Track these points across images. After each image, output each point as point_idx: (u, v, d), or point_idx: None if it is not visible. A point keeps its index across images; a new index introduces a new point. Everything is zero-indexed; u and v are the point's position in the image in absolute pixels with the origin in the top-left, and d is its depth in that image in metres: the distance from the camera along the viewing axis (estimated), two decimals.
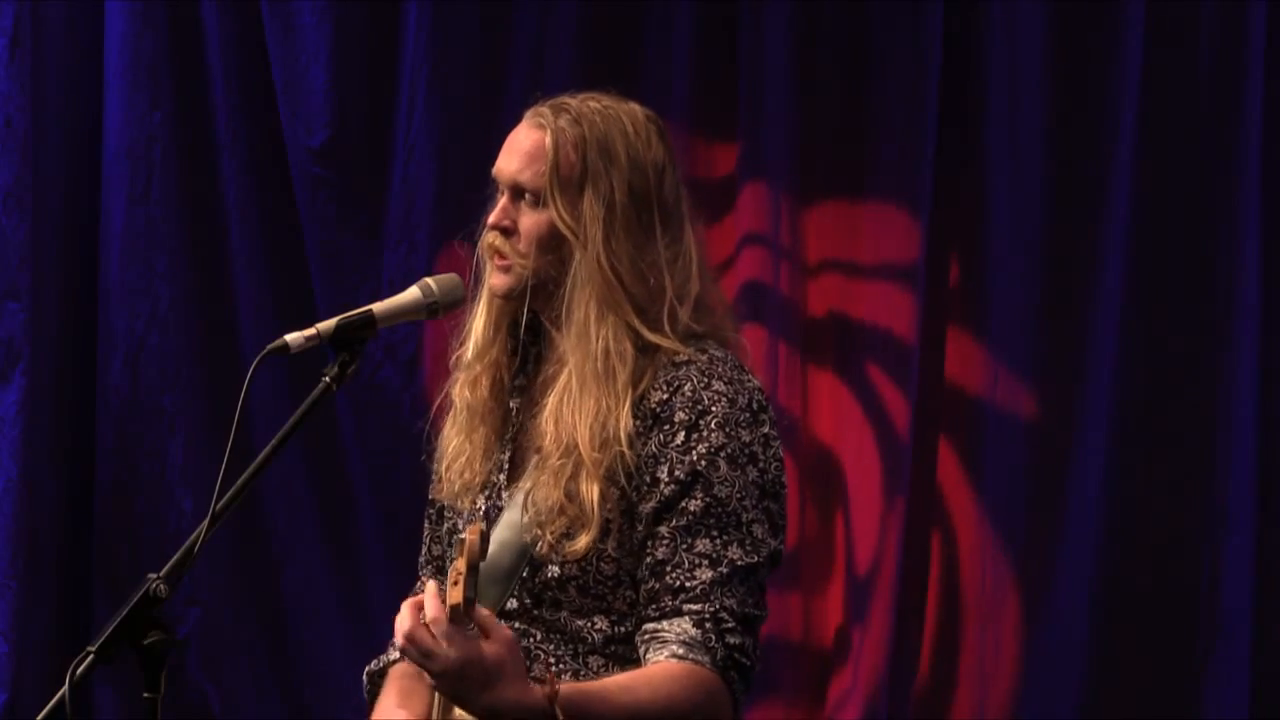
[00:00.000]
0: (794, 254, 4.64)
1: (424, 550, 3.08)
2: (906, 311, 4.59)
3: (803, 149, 4.63)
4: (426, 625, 2.55)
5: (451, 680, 2.56)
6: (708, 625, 2.72)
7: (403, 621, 2.57)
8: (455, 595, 2.50)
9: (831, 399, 4.68)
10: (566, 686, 2.62)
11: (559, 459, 2.77)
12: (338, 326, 2.69)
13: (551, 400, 2.81)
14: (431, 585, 2.58)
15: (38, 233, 4.74)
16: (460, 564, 2.51)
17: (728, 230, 4.67)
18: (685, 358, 2.81)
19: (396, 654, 2.96)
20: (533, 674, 2.71)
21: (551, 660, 2.80)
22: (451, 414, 2.96)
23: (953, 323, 4.63)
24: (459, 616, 2.51)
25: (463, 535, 2.53)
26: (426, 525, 3.08)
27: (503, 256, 2.84)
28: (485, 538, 2.56)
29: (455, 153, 4.68)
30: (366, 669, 3.00)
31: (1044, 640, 4.56)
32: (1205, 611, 4.51)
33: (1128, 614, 4.53)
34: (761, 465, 2.79)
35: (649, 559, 2.76)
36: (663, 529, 2.76)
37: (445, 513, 3.01)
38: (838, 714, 4.63)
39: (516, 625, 2.82)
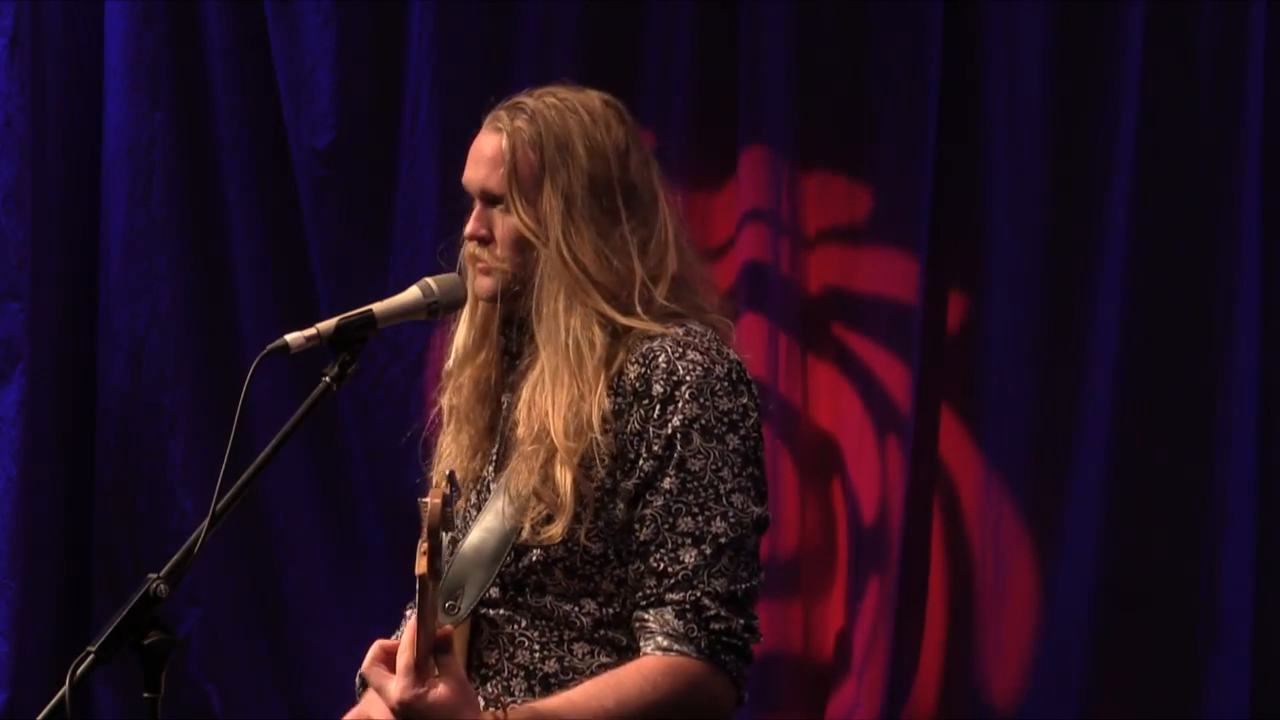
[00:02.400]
0: (794, 268, 4.64)
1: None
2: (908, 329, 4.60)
3: (803, 148, 4.63)
4: (388, 660, 2.62)
5: (398, 716, 2.61)
6: (689, 615, 2.72)
7: (366, 658, 2.65)
8: (422, 565, 2.51)
9: (830, 384, 4.67)
10: (518, 711, 2.66)
11: (531, 446, 2.78)
12: (338, 326, 2.69)
13: (525, 391, 2.82)
14: (413, 619, 2.60)
15: (38, 233, 4.75)
16: (423, 532, 2.51)
17: (727, 230, 4.67)
18: (659, 331, 2.81)
19: None
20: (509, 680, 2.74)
21: (524, 652, 2.81)
22: (443, 423, 2.97)
23: (948, 336, 4.64)
24: (426, 588, 2.52)
25: (424, 500, 2.54)
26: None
27: (482, 261, 2.86)
28: (448, 501, 2.55)
29: (460, 154, 4.60)
30: (359, 673, 3.00)
31: (1045, 640, 4.56)
32: (1205, 611, 4.51)
33: (1128, 614, 4.53)
34: (743, 433, 2.79)
35: (635, 541, 2.77)
36: (645, 511, 2.76)
37: None
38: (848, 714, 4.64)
39: (501, 612, 2.82)
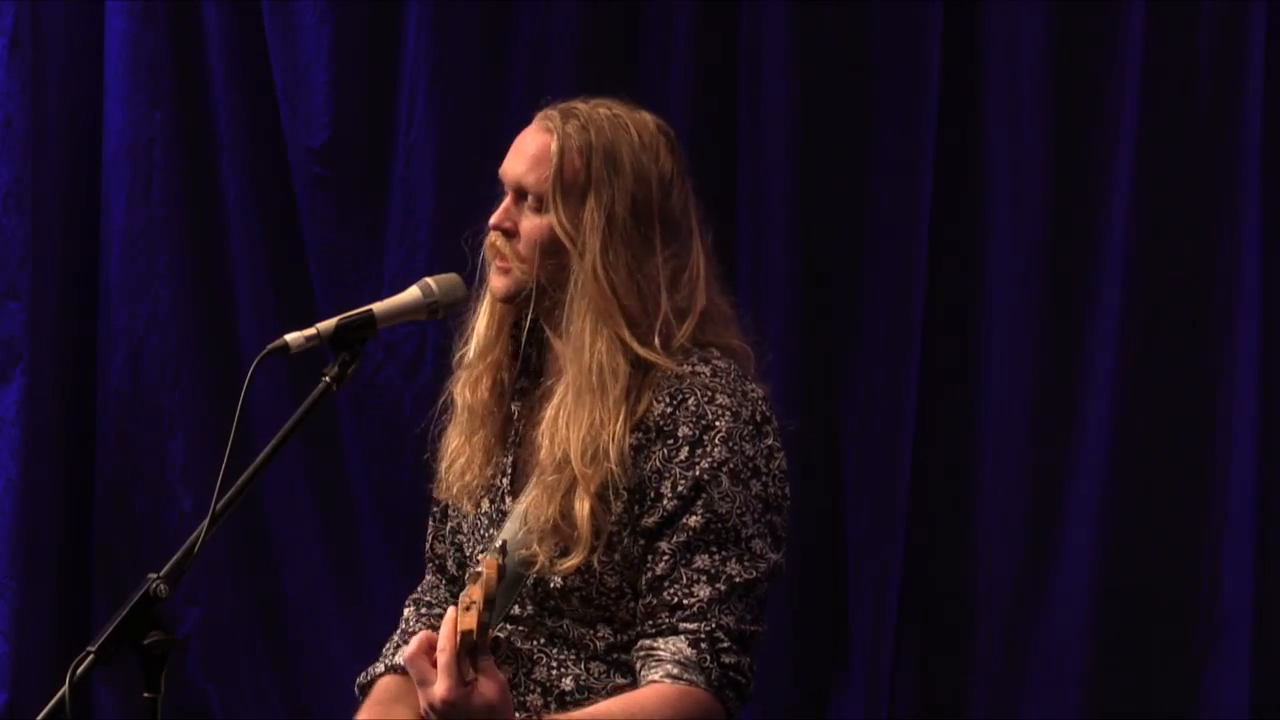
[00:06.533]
0: (794, 265, 4.64)
1: (427, 547, 3.09)
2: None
3: (803, 149, 4.63)
4: (430, 654, 2.59)
5: (439, 714, 2.59)
6: (703, 645, 2.73)
7: (409, 647, 2.62)
8: (468, 621, 2.52)
9: (830, 382, 4.68)
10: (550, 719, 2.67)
11: (553, 475, 2.78)
12: (338, 326, 2.69)
13: (549, 413, 2.81)
14: (450, 612, 2.59)
15: (38, 233, 4.75)
16: (475, 593, 2.52)
17: (727, 233, 4.67)
18: (687, 369, 2.80)
19: (382, 667, 2.98)
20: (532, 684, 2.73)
21: (552, 672, 2.81)
22: (453, 414, 2.96)
23: (947, 335, 4.64)
24: (469, 642, 2.54)
25: (478, 569, 2.55)
26: (430, 523, 3.08)
27: (503, 258, 2.84)
28: (502, 571, 2.59)
29: (456, 152, 4.68)
30: (357, 681, 3.01)
31: (1044, 640, 4.56)
32: (1205, 611, 4.51)
33: (1128, 614, 4.53)
34: (765, 479, 2.80)
35: (648, 574, 2.77)
36: (663, 544, 2.76)
37: (450, 511, 3.01)
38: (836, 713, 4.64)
39: (521, 629, 2.82)
